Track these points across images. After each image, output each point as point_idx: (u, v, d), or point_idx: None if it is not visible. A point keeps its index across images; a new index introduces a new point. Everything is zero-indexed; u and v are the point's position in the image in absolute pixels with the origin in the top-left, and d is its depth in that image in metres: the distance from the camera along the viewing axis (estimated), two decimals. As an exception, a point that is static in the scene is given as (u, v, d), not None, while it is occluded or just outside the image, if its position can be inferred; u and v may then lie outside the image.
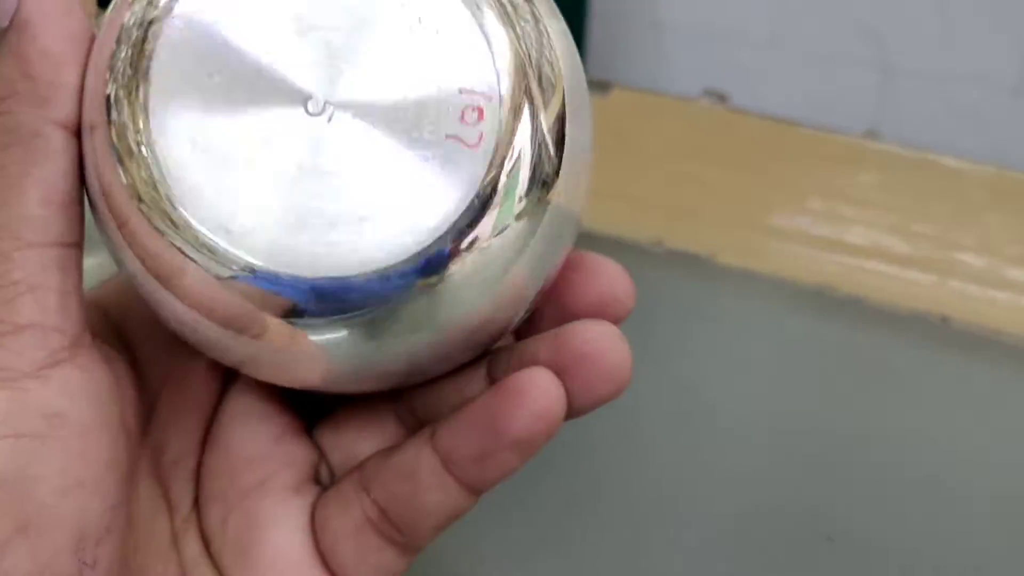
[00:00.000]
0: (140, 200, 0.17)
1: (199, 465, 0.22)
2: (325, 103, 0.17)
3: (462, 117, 0.17)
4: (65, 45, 0.18)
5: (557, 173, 0.18)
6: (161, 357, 0.22)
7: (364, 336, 0.17)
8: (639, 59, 0.69)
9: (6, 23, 0.17)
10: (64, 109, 0.17)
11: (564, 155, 0.18)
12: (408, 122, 0.17)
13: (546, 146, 0.17)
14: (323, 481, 0.22)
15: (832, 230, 0.50)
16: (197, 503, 0.22)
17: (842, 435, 0.39)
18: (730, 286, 0.47)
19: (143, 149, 0.17)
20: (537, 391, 0.18)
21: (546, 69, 0.18)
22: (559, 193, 0.18)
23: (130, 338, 0.22)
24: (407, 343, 0.18)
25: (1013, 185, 0.54)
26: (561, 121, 0.18)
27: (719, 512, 0.35)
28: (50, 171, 0.17)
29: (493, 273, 0.17)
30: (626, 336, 0.19)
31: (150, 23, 0.17)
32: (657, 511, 0.35)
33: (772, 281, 0.46)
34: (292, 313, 0.17)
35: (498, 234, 0.17)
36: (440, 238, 0.17)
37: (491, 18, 0.17)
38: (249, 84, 0.17)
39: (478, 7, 0.17)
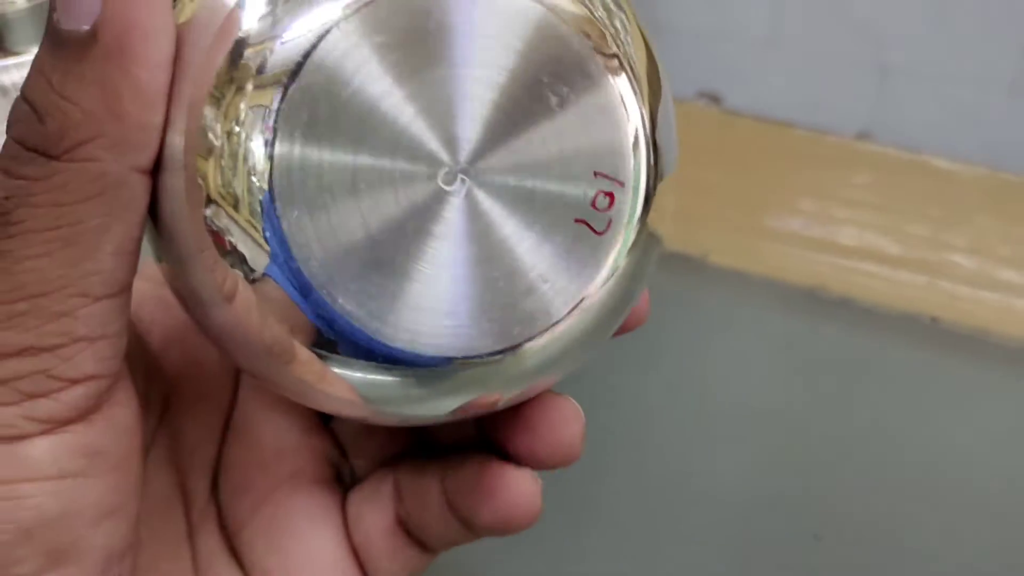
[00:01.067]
0: (223, 218, 0.16)
1: (218, 456, 0.22)
2: (457, 174, 0.16)
3: (594, 202, 0.16)
4: (158, 76, 0.15)
5: (652, 251, 0.17)
6: (175, 347, 0.22)
7: (410, 389, 0.17)
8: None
9: (86, 27, 0.15)
10: (149, 153, 0.16)
11: (663, 230, 0.18)
12: (536, 201, 0.16)
13: (655, 229, 0.17)
14: (344, 478, 0.23)
15: (824, 231, 0.51)
16: (215, 494, 0.22)
17: (831, 433, 0.39)
18: (722, 286, 0.47)
19: (251, 177, 0.15)
20: (509, 494, 0.20)
21: (663, 138, 0.17)
22: (644, 268, 0.18)
23: (144, 328, 0.22)
24: (456, 403, 0.17)
25: (1005, 187, 0.55)
26: (668, 195, 0.18)
27: (707, 509, 0.36)
28: (129, 222, 0.16)
29: (567, 353, 0.17)
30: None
31: (294, 62, 0.15)
32: (644, 507, 0.35)
33: (764, 281, 0.47)
34: (327, 347, 0.16)
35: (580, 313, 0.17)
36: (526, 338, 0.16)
37: (627, 91, 0.17)
38: (377, 140, 0.16)
39: (613, 76, 0.16)
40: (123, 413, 0.17)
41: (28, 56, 0.29)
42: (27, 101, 0.16)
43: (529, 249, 0.16)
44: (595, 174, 0.16)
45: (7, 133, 0.16)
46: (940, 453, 0.38)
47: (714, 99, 0.66)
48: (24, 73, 0.29)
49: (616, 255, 0.17)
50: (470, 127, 0.16)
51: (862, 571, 0.34)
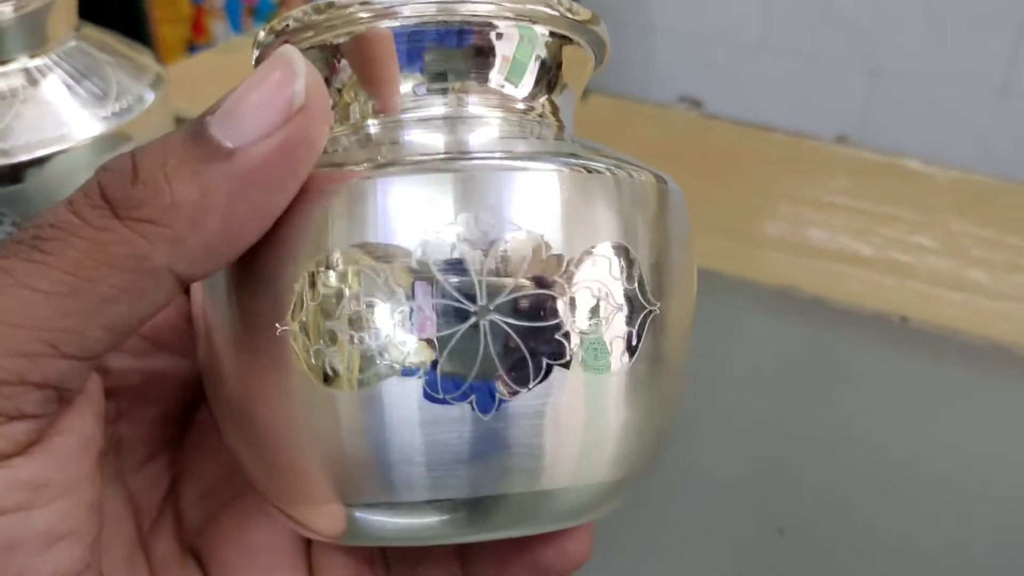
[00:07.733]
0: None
1: (174, 468, 0.23)
2: None
3: None
4: (247, 231, 0.17)
5: None
6: (127, 362, 0.22)
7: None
8: (624, 64, 0.69)
9: (229, 145, 0.16)
10: (196, 272, 0.17)
11: None
12: None
13: None
14: None
15: (800, 233, 0.51)
16: (169, 501, 0.22)
17: (800, 429, 0.39)
18: (699, 287, 0.48)
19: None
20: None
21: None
22: None
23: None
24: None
25: (978, 190, 0.55)
26: None
27: (674, 502, 0.36)
28: (136, 311, 0.16)
29: None
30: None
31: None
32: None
33: (738, 282, 0.47)
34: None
35: None
36: None
37: None
38: None
39: None
40: (69, 441, 0.17)
41: (16, 64, 0.30)
42: (134, 160, 0.16)
43: None
44: None
45: (96, 171, 0.16)
46: (908, 450, 0.39)
47: (695, 104, 0.66)
48: (11, 82, 0.30)
49: None
50: None
51: (825, 566, 0.34)
